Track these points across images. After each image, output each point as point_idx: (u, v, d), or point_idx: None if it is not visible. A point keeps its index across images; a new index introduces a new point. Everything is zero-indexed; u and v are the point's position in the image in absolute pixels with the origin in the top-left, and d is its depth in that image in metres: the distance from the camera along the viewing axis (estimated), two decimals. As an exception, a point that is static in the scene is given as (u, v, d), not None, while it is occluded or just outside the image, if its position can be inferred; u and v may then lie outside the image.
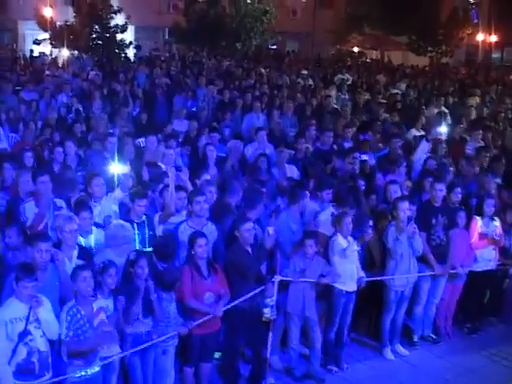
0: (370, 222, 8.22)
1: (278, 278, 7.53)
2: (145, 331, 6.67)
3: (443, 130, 12.90)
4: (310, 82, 20.81)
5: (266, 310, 7.42)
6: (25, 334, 5.83)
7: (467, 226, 9.12)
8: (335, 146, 11.87)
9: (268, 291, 7.45)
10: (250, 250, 7.46)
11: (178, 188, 8.20)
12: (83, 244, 7.17)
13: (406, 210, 8.27)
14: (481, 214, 9.18)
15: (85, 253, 6.95)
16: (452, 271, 8.89)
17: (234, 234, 7.50)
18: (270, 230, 7.62)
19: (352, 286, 8.05)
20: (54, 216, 7.51)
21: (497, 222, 9.24)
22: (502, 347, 9.06)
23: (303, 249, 7.79)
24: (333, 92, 18.05)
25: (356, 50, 34.37)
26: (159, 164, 9.69)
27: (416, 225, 8.31)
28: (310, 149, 11.44)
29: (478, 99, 18.30)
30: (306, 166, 10.49)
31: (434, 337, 9.17)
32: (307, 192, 8.53)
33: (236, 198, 8.36)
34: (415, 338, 9.00)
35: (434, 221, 8.75)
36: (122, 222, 7.32)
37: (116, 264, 6.62)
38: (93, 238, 7.33)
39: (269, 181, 9.47)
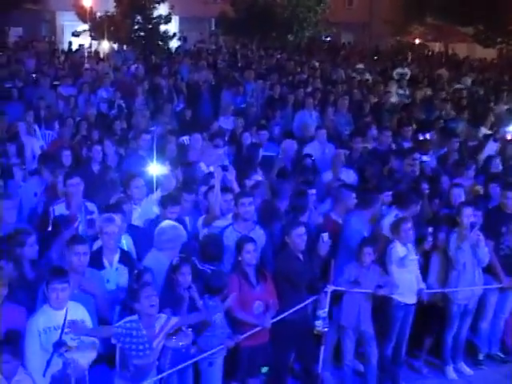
0: (430, 229, 8.12)
1: (330, 288, 7.51)
2: (186, 344, 6.67)
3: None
4: (367, 76, 20.73)
5: (318, 323, 7.42)
6: (60, 344, 5.88)
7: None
8: (394, 146, 11.80)
9: (320, 302, 7.42)
10: (301, 256, 7.46)
11: (225, 189, 8.25)
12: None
13: (470, 215, 8.18)
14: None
15: (127, 257, 7.04)
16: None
17: (283, 240, 7.50)
18: (325, 236, 7.60)
19: (411, 298, 7.99)
20: (85, 220, 7.65)
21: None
22: None
23: (360, 256, 7.75)
24: (392, 88, 17.93)
25: (417, 41, 34.08)
26: (200, 164, 9.76)
27: (482, 232, 8.19)
28: (367, 148, 11.38)
29: None
30: (363, 167, 10.43)
31: (501, 355, 9.02)
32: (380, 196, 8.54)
33: (285, 202, 8.35)
34: (481, 357, 8.87)
35: (504, 229, 8.62)
36: (172, 222, 7.36)
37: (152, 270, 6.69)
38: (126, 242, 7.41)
39: (317, 182, 9.47)
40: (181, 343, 6.61)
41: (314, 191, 8.67)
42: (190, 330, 6.65)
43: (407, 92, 18.20)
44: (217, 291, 6.83)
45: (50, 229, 7.55)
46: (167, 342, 6.49)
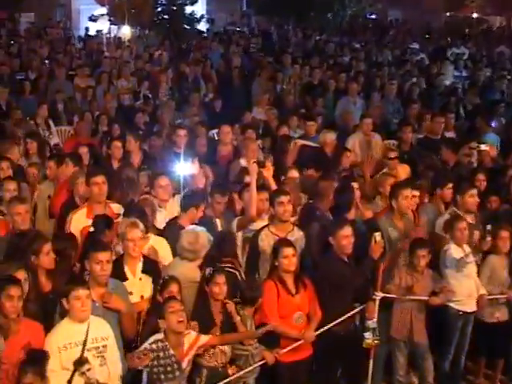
0: (489, 227, 8.07)
1: (379, 295, 7.52)
2: (223, 363, 6.71)
3: None
4: (419, 57, 20.63)
5: (367, 335, 7.43)
6: (81, 362, 5.87)
7: None
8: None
9: (369, 311, 7.44)
10: (347, 260, 7.48)
11: (261, 187, 8.29)
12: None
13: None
14: None
15: (151, 265, 7.09)
16: None
17: (327, 242, 7.51)
18: (378, 235, 7.60)
19: (470, 306, 7.96)
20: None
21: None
22: None
23: (412, 260, 7.74)
24: (447, 69, 17.85)
25: (475, 15, 33.77)
26: (240, 160, 9.82)
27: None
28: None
29: None
30: (414, 159, 10.42)
31: None
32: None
33: (326, 202, 8.37)
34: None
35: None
36: (198, 228, 7.42)
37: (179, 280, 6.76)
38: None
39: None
40: (217, 362, 6.66)
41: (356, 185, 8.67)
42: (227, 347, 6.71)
43: (464, 74, 18.11)
44: (251, 302, 6.89)
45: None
46: (202, 360, 6.57)
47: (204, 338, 6.45)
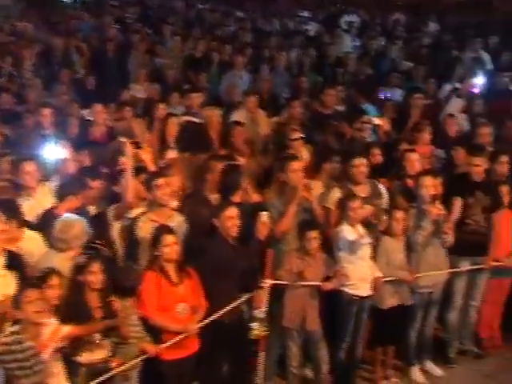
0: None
1: (268, 283, 7.64)
2: (102, 358, 6.70)
3: (479, 80, 12.99)
4: (310, 26, 20.87)
5: (254, 325, 7.53)
6: None
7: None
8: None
9: (256, 300, 7.54)
10: (234, 244, 7.57)
11: (138, 171, 8.27)
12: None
13: (429, 186, 8.40)
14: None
15: (15, 260, 6.96)
16: (495, 264, 9.00)
17: (212, 224, 7.57)
18: (264, 215, 7.69)
19: (365, 290, 8.16)
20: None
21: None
22: None
23: (303, 243, 7.89)
24: (343, 38, 18.15)
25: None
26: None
27: (445, 205, 8.42)
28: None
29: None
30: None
31: (475, 350, 9.34)
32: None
33: (212, 184, 8.41)
34: (451, 354, 9.17)
35: (470, 200, 8.88)
36: (71, 216, 7.33)
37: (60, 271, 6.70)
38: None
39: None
40: (96, 358, 6.64)
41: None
42: (107, 340, 6.70)
43: (359, 43, 18.46)
44: (129, 291, 6.88)
45: None
46: (79, 358, 6.53)
47: (66, 328, 6.37)
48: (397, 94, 13.54)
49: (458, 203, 8.76)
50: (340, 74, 14.82)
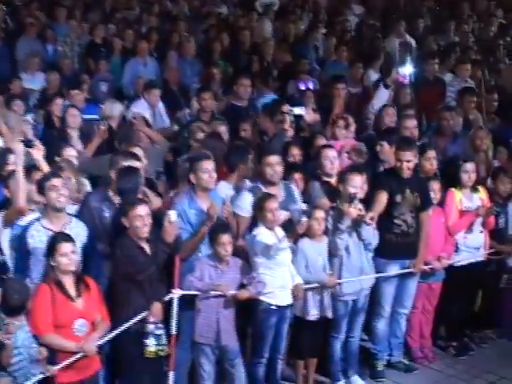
0: (304, 206, 8.36)
1: (177, 293, 7.64)
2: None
3: (408, 69, 13.19)
4: (223, 9, 20.81)
5: (148, 341, 7.48)
6: None
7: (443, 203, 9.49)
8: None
9: (153, 313, 7.47)
10: (146, 248, 7.54)
11: (29, 172, 8.15)
12: None
13: (353, 184, 8.52)
14: (459, 184, 9.57)
15: None
16: (425, 268, 9.18)
17: (120, 224, 7.54)
18: (172, 214, 7.68)
19: (285, 299, 8.22)
20: None
21: (482, 193, 9.61)
22: (504, 372, 9.44)
23: (215, 248, 7.91)
24: (263, 22, 18.20)
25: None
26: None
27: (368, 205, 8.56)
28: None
29: (466, 27, 18.76)
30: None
31: (406, 362, 9.49)
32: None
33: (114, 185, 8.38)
34: (379, 366, 9.28)
35: (398, 198, 9.01)
36: None
37: None
38: None
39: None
40: None
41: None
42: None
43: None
44: (17, 310, 6.79)
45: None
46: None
47: None
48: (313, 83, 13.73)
49: (382, 196, 8.83)
50: (256, 61, 14.85)
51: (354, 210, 8.37)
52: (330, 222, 8.54)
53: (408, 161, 9.00)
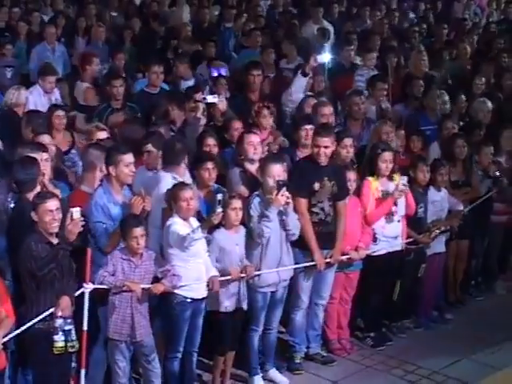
0: (220, 196, 8.30)
1: (88, 287, 7.54)
2: None
3: (325, 56, 13.22)
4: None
5: (57, 337, 7.33)
6: None
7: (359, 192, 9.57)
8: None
9: (61, 307, 7.32)
10: (54, 242, 7.40)
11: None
12: None
13: (274, 173, 8.53)
14: (375, 172, 9.65)
15: None
16: (342, 258, 9.23)
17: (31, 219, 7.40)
18: (75, 212, 7.48)
19: (201, 291, 8.21)
20: None
21: (398, 181, 9.66)
22: (421, 361, 9.56)
23: (127, 241, 7.81)
24: (182, 8, 18.15)
25: None
26: None
27: (290, 192, 8.55)
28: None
29: (378, 13, 18.96)
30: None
31: (324, 354, 9.54)
32: None
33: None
34: (298, 359, 9.30)
35: (316, 186, 9.05)
36: None
37: None
38: None
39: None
40: None
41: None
42: None
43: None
44: None
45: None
46: None
47: None
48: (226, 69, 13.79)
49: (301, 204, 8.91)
50: (172, 48, 14.76)
51: (282, 197, 8.41)
52: (252, 210, 8.54)
53: (326, 147, 9.03)
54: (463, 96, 12.82)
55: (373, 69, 13.76)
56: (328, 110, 10.72)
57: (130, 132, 9.40)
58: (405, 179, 9.48)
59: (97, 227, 8.01)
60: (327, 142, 9.06)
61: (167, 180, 8.42)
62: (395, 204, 9.63)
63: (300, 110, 11.41)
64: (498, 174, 10.91)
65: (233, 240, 8.49)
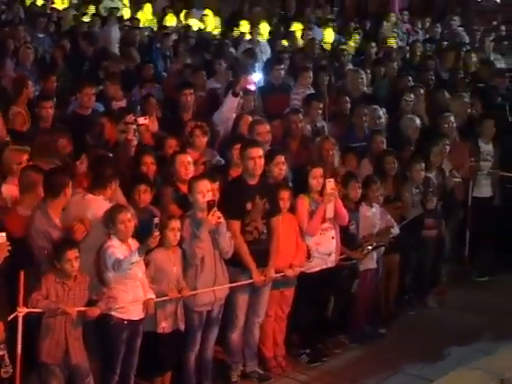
0: (156, 220, 8.26)
1: (22, 311, 7.49)
2: None
3: (256, 76, 13.27)
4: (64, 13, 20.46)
5: None
6: None
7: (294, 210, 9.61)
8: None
9: None
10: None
11: None
12: None
13: (203, 192, 8.55)
14: (307, 189, 9.71)
15: None
16: (277, 275, 9.27)
17: None
18: (1, 237, 7.47)
19: (137, 313, 8.21)
20: None
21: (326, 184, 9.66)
22: (357, 376, 9.65)
23: (61, 264, 7.77)
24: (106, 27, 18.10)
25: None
26: None
27: (223, 212, 8.57)
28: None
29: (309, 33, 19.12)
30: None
31: (260, 372, 9.55)
32: None
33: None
34: (234, 377, 9.32)
35: (248, 206, 9.08)
36: None
37: None
38: None
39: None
40: None
41: None
42: None
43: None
44: None
45: None
46: None
47: None
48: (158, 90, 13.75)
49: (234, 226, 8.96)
50: (103, 68, 14.71)
51: (213, 217, 8.43)
52: (184, 231, 8.54)
53: (260, 157, 9.09)
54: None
55: (309, 87, 13.82)
56: (264, 127, 10.74)
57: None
58: (331, 181, 9.50)
59: (40, 253, 7.99)
60: (260, 151, 9.13)
61: (99, 203, 8.40)
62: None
63: (234, 128, 11.45)
64: (430, 189, 11.12)
65: (171, 260, 8.50)
